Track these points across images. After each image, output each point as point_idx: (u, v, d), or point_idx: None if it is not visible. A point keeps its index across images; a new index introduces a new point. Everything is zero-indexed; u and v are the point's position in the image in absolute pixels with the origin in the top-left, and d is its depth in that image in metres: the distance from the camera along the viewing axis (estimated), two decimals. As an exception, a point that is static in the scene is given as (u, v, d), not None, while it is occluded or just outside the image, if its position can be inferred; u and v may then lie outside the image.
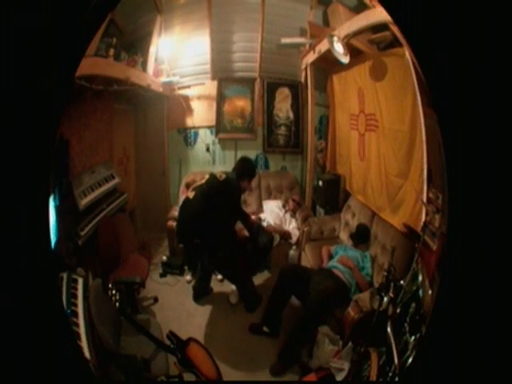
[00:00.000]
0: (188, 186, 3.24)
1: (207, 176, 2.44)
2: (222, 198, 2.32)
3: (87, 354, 1.39)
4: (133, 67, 2.78)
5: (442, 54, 0.99)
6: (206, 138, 3.84)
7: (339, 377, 1.84)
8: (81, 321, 1.53)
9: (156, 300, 2.68)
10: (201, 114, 3.81)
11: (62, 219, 1.89)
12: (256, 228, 2.73)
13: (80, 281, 1.76)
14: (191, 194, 2.37)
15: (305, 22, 3.38)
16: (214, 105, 3.75)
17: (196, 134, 3.86)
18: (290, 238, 3.18)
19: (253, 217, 2.92)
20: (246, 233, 2.80)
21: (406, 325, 1.61)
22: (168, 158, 3.80)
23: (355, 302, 2.07)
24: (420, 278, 1.69)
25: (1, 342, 0.97)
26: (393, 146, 2.41)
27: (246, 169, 2.50)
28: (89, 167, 2.59)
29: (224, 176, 2.39)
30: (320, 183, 3.49)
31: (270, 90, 3.82)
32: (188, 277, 2.97)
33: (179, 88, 3.66)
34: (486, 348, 1.00)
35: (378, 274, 2.36)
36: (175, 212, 3.05)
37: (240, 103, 3.81)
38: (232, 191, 2.38)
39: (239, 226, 2.74)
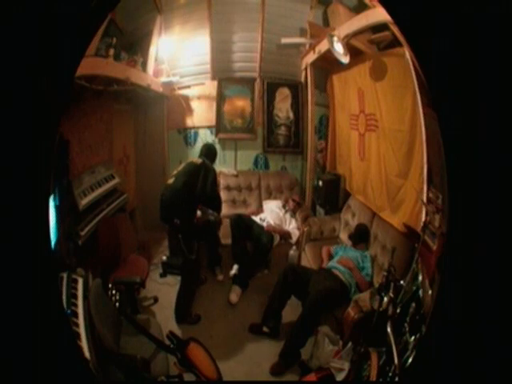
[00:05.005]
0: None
1: (184, 164, 2.71)
2: (200, 176, 2.55)
3: (87, 354, 1.38)
4: (133, 67, 2.78)
5: (442, 54, 0.99)
6: (206, 137, 3.84)
7: (339, 377, 1.84)
8: (81, 321, 1.53)
9: (156, 300, 2.68)
10: (201, 114, 3.81)
11: (62, 219, 1.89)
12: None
13: (80, 281, 1.75)
14: (171, 180, 2.58)
15: (305, 22, 3.39)
16: (214, 105, 3.76)
17: (196, 134, 3.87)
18: (290, 237, 3.18)
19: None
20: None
21: (406, 325, 1.61)
22: (168, 158, 3.80)
23: (355, 301, 2.06)
24: (420, 278, 1.69)
25: (1, 342, 0.97)
26: (393, 145, 2.42)
27: (213, 154, 2.81)
28: (89, 167, 2.58)
29: (200, 160, 2.66)
30: (320, 183, 3.49)
31: (270, 90, 3.82)
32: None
33: (179, 88, 3.67)
34: (486, 348, 1.00)
35: (377, 274, 2.36)
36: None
37: (240, 103, 3.81)
38: (210, 171, 2.61)
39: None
